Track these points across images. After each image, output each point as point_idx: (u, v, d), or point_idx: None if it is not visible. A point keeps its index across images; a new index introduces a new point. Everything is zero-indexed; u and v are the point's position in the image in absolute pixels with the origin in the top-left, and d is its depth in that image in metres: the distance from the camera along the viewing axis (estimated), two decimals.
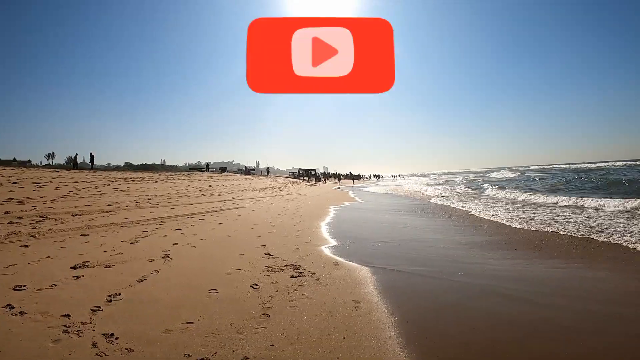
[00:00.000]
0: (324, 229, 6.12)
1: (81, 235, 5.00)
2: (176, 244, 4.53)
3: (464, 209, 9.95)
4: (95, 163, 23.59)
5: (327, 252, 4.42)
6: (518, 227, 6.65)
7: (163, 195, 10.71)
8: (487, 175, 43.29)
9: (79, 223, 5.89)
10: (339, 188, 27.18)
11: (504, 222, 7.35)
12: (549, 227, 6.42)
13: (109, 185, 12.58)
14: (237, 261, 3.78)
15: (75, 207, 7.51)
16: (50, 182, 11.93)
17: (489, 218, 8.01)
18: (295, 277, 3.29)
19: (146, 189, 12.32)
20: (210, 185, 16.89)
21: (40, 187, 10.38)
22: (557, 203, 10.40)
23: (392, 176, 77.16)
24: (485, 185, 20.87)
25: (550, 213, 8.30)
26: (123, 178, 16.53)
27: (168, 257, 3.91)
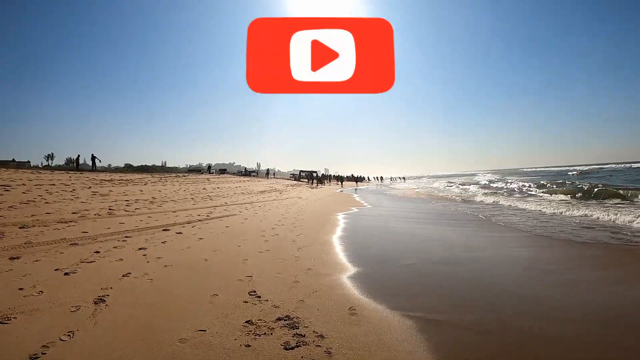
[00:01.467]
0: (330, 247, 4.82)
1: (10, 258, 3.73)
2: (128, 274, 3.25)
3: (477, 213, 8.64)
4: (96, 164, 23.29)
5: (339, 286, 3.12)
6: (561, 237, 5.34)
7: (146, 200, 9.44)
8: (474, 178, 42.83)
9: (20, 239, 4.63)
10: (341, 191, 25.87)
11: (532, 230, 6.05)
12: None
13: (89, 188, 11.34)
14: (204, 310, 2.49)
15: (32, 215, 6.26)
16: (23, 184, 10.71)
17: (508, 224, 6.71)
18: (292, 347, 2.00)
19: (130, 193, 11.06)
20: (204, 188, 15.63)
21: (6, 190, 9.14)
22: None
23: (391, 178, 75.26)
24: (478, 189, 21.66)
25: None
26: (110, 180, 15.30)
27: (103, 301, 2.62)
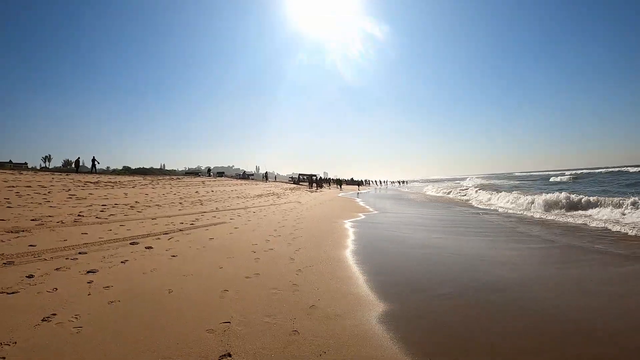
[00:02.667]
0: (340, 268, 3.81)
1: None
2: (50, 317, 2.23)
3: (490, 220, 7.64)
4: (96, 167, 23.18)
5: (364, 340, 2.09)
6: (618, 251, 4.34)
7: (126, 205, 8.41)
8: (463, 183, 42.56)
9: None
10: (343, 195, 24.86)
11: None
12: None
13: (68, 190, 10.30)
14: None
15: None
16: None
17: (527, 233, 5.69)
18: None
19: (111, 196, 10.03)
20: (196, 192, 14.59)
21: None
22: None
23: (393, 182, 74.00)
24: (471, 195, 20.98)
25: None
26: (96, 182, 14.27)
27: None
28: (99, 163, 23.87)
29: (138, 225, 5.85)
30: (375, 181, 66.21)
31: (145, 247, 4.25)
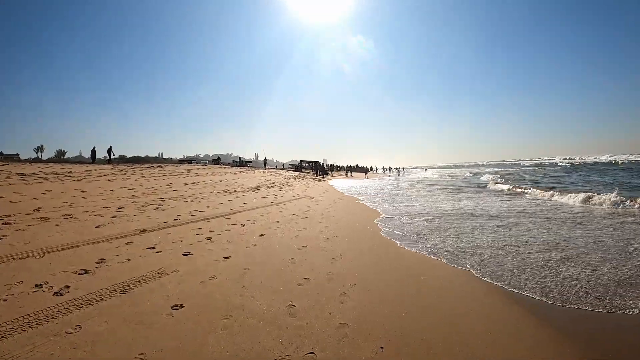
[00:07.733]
0: None
1: None
2: None
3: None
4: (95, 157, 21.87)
5: None
6: None
7: (7, 217, 4.53)
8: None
9: None
10: (360, 185, 20.98)
11: None
12: None
13: None
14: None
15: None
16: None
17: None
18: None
19: (12, 198, 6.12)
20: (169, 185, 10.65)
21: None
22: None
23: (383, 169, 66.49)
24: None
25: None
26: (30, 175, 10.32)
27: None
28: (114, 155, 23.39)
29: None
30: (385, 168, 60.46)
31: None
